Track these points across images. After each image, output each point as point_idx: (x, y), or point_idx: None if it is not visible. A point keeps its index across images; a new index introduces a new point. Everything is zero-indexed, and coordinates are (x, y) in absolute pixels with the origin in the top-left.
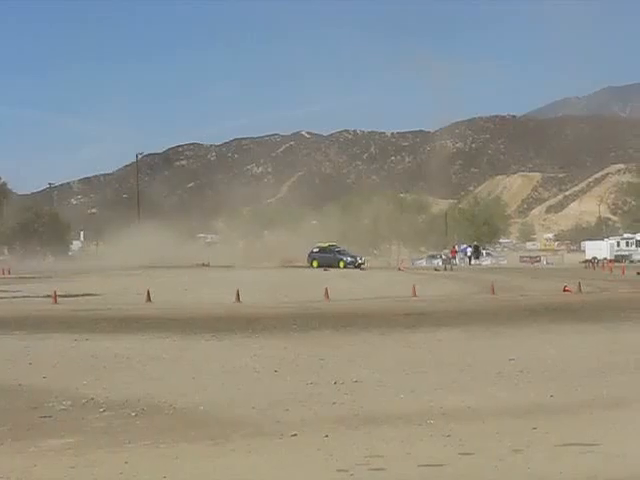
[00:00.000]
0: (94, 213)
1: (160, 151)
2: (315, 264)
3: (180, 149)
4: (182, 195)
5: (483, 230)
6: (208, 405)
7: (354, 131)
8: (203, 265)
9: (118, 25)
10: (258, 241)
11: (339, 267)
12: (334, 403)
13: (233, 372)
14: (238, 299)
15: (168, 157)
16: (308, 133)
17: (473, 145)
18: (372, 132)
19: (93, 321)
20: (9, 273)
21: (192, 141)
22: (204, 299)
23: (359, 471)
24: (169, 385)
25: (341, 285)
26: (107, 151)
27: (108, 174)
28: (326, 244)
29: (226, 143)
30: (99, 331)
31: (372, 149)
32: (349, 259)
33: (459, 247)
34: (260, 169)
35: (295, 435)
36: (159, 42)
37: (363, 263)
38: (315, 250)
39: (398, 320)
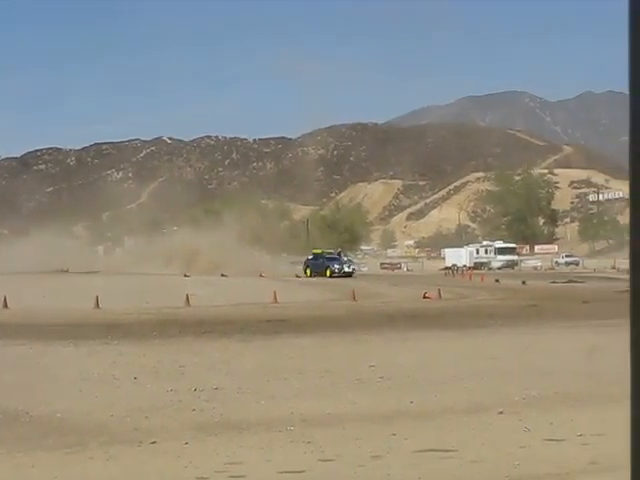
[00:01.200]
0: None
1: (18, 155)
2: (308, 272)
3: (39, 153)
4: (41, 200)
5: (344, 237)
6: (65, 412)
7: (216, 137)
8: (62, 271)
9: None
10: (118, 247)
11: (325, 275)
12: (194, 410)
13: (91, 379)
14: (97, 305)
15: (26, 161)
16: (169, 138)
17: (335, 152)
18: (234, 138)
19: None
20: None
21: (51, 145)
22: (63, 305)
23: (219, 478)
24: (25, 392)
25: (203, 292)
26: None
27: None
28: (320, 250)
29: (86, 148)
30: None
31: (234, 155)
32: (336, 267)
33: None
34: (120, 174)
35: (154, 442)
36: (14, 45)
37: (352, 271)
38: (310, 257)
39: (259, 326)
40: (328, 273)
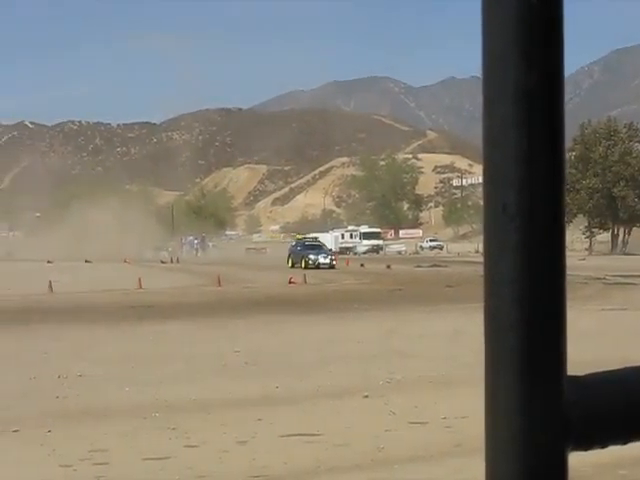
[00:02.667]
0: None
1: None
2: (290, 262)
3: None
4: None
5: (209, 222)
6: None
7: (79, 122)
8: None
9: None
10: None
11: (302, 267)
12: (57, 397)
13: None
14: None
15: None
16: (32, 123)
17: (200, 137)
18: (97, 123)
19: None
20: None
21: None
22: None
23: (82, 466)
24: None
25: (66, 278)
26: None
27: None
28: (301, 236)
29: None
30: None
31: (97, 140)
32: (311, 257)
33: (185, 239)
34: None
35: (17, 431)
36: None
37: (330, 262)
38: (292, 244)
39: (123, 313)
40: (303, 264)
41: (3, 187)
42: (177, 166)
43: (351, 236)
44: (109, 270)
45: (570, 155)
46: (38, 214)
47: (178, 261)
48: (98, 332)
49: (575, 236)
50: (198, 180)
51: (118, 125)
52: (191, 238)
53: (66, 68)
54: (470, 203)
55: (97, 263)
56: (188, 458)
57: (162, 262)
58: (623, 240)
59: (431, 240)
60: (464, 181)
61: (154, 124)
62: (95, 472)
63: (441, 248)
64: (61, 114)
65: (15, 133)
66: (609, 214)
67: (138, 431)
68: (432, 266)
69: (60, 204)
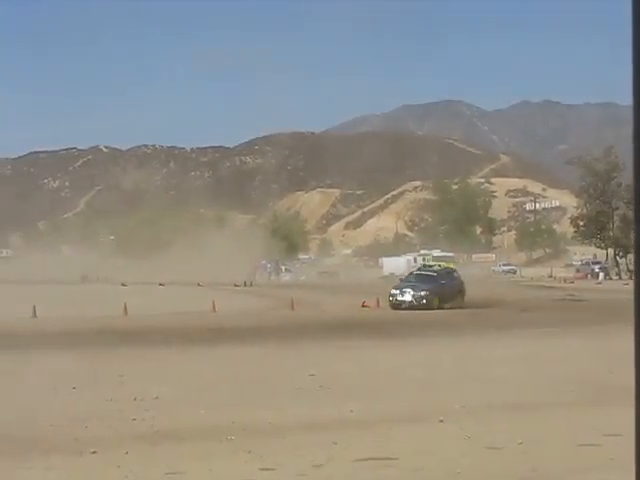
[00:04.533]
0: None
1: None
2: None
3: None
4: None
5: (282, 246)
6: (5, 423)
7: (153, 146)
8: None
9: None
10: (55, 256)
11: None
12: (134, 419)
13: (29, 389)
14: (35, 314)
15: None
16: (106, 147)
17: (273, 161)
18: (171, 147)
19: None
20: None
21: None
22: None
23: None
24: None
25: (140, 300)
26: None
27: None
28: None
29: (21, 157)
30: None
31: (171, 164)
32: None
33: (258, 263)
34: (57, 183)
35: (95, 452)
36: None
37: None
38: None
39: (198, 335)
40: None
41: (79, 211)
42: (250, 190)
43: (423, 260)
44: (183, 293)
45: None
46: (112, 237)
47: (252, 284)
48: (173, 355)
49: None
50: (271, 204)
51: (192, 149)
52: (264, 262)
53: (140, 92)
54: (543, 227)
55: (171, 286)
56: None
57: (235, 285)
58: None
59: (504, 264)
60: (537, 205)
61: (227, 148)
62: None
63: (514, 272)
64: (135, 138)
65: (90, 157)
66: None
67: (214, 454)
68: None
69: (134, 227)
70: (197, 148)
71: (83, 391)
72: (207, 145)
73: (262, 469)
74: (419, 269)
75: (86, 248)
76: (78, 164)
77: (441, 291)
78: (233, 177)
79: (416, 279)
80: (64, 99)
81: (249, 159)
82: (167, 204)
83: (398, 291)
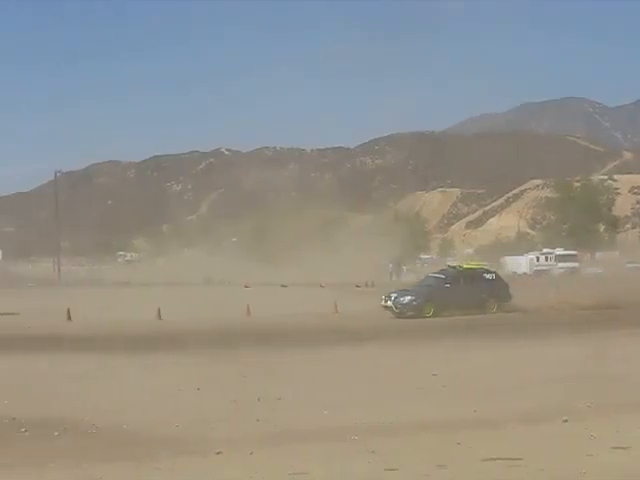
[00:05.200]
0: (11, 232)
1: (79, 169)
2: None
3: (99, 167)
4: (102, 213)
5: (403, 246)
6: (131, 424)
7: (274, 148)
8: (124, 283)
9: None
10: (179, 258)
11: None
12: (258, 420)
13: (155, 390)
14: (159, 317)
15: (87, 175)
16: (227, 150)
17: (393, 161)
18: (292, 149)
19: (13, 340)
20: None
21: (111, 159)
22: (125, 317)
23: None
24: (90, 404)
25: (263, 301)
26: (25, 169)
27: (25, 192)
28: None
29: (145, 161)
30: (19, 350)
31: (292, 166)
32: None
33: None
34: (180, 186)
35: (220, 453)
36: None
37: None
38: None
39: (320, 336)
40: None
41: (201, 213)
42: (371, 190)
43: (546, 259)
44: (305, 294)
45: None
46: (235, 239)
47: (373, 285)
48: (295, 355)
49: None
50: (392, 204)
51: (312, 150)
52: (389, 263)
53: (261, 94)
54: None
55: (293, 287)
56: None
57: (356, 286)
58: None
59: (629, 262)
60: None
61: (347, 148)
62: None
63: None
64: (257, 140)
65: (212, 160)
66: None
67: (337, 454)
68: None
69: (256, 229)
70: (317, 149)
71: (207, 392)
72: (327, 146)
73: (386, 469)
74: (439, 271)
75: (209, 250)
76: (200, 167)
77: (443, 297)
78: (353, 178)
79: (422, 282)
80: (186, 103)
81: (369, 159)
82: (288, 205)
83: (384, 297)
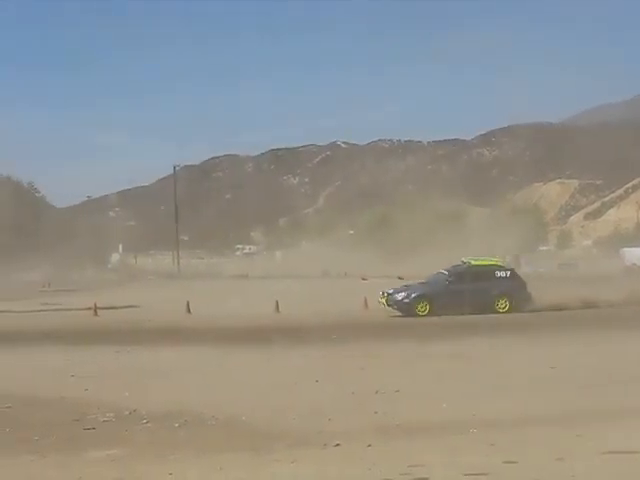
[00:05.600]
0: (132, 225)
1: (197, 163)
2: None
3: (217, 161)
4: (220, 207)
5: (521, 238)
6: (250, 415)
7: (390, 140)
8: (241, 276)
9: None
10: (296, 251)
11: None
12: (376, 412)
13: (273, 382)
14: (277, 309)
15: (205, 169)
16: (344, 143)
17: (510, 153)
18: (408, 141)
19: (134, 333)
20: (49, 286)
21: (228, 152)
22: (243, 310)
23: None
24: (210, 396)
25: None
26: (144, 164)
27: (145, 186)
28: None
29: (262, 154)
30: (140, 343)
31: (408, 158)
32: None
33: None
34: (297, 180)
35: (338, 445)
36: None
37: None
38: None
39: (437, 329)
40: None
41: (318, 206)
42: (488, 182)
43: None
44: None
45: None
46: (352, 232)
47: None
48: (412, 348)
49: None
50: (509, 196)
51: (428, 142)
52: (503, 254)
53: (376, 87)
54: None
55: (411, 279)
56: (508, 474)
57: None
58: None
59: None
60: None
61: (464, 140)
62: None
63: None
64: (373, 133)
65: (329, 153)
66: None
67: (456, 447)
68: None
69: (373, 222)
70: (434, 141)
71: (326, 384)
72: (444, 138)
73: (505, 462)
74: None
75: (326, 243)
76: (317, 160)
77: (442, 295)
78: (470, 170)
79: (428, 279)
80: (302, 96)
81: (486, 151)
82: (405, 198)
83: (381, 292)
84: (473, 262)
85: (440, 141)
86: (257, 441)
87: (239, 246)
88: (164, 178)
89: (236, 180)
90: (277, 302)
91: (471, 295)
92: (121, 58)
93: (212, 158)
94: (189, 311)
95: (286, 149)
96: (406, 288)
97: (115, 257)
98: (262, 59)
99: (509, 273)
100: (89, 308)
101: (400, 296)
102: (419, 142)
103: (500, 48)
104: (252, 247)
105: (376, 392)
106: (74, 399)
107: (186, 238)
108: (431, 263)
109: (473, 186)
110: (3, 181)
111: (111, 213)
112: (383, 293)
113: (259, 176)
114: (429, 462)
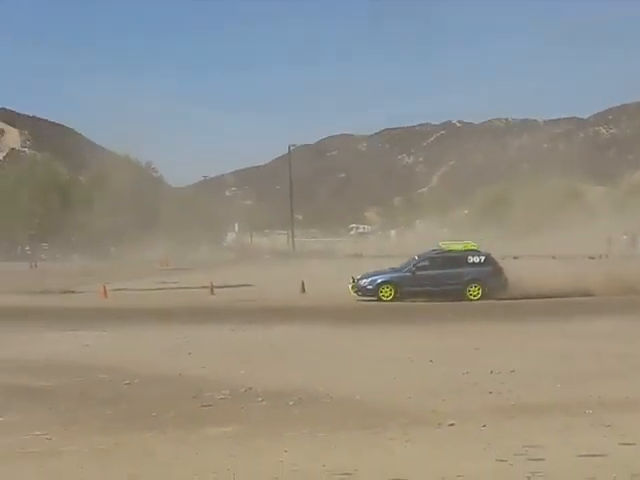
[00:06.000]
0: (248, 205)
1: (312, 142)
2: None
3: (332, 140)
4: (334, 186)
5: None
6: (364, 394)
7: (506, 119)
8: (355, 255)
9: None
10: (410, 230)
11: None
12: (490, 392)
13: (388, 361)
14: None
15: (319, 148)
16: (459, 122)
17: (628, 131)
18: (524, 120)
19: (249, 311)
20: (167, 264)
21: (342, 132)
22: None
23: (518, 461)
24: (324, 374)
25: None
26: (259, 143)
27: (261, 166)
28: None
29: (376, 133)
30: (255, 321)
31: (524, 137)
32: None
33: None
34: (411, 159)
35: (452, 425)
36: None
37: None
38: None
39: (555, 309)
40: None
41: (432, 185)
42: (605, 161)
43: None
44: (534, 265)
45: None
46: (466, 211)
47: (607, 257)
48: (527, 328)
49: None
50: (627, 175)
51: (544, 121)
52: (620, 234)
53: (491, 65)
54: None
55: (524, 259)
56: (624, 456)
57: (590, 258)
58: None
59: None
60: None
61: (580, 119)
62: (531, 468)
63: None
64: (488, 112)
65: (443, 132)
66: None
67: (572, 427)
68: None
69: (488, 201)
70: (550, 120)
71: (440, 364)
72: (560, 116)
73: (621, 444)
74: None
75: (440, 222)
76: (431, 139)
77: (409, 280)
78: (587, 148)
79: (401, 265)
80: (415, 75)
81: (603, 129)
82: (521, 177)
83: (352, 277)
84: (446, 247)
85: (556, 119)
86: (371, 419)
87: (353, 225)
88: (279, 158)
89: (350, 159)
90: None
91: (439, 281)
92: (236, 35)
93: (327, 137)
94: (304, 290)
95: (400, 128)
96: (374, 274)
97: (231, 236)
98: (377, 38)
99: (483, 259)
100: (205, 287)
101: (366, 282)
102: (534, 120)
103: (617, 24)
104: (366, 227)
105: (491, 372)
106: (191, 376)
107: (300, 217)
108: (552, 243)
109: (590, 165)
110: (122, 160)
111: (227, 193)
112: (353, 279)
113: (373, 155)
114: (544, 443)
